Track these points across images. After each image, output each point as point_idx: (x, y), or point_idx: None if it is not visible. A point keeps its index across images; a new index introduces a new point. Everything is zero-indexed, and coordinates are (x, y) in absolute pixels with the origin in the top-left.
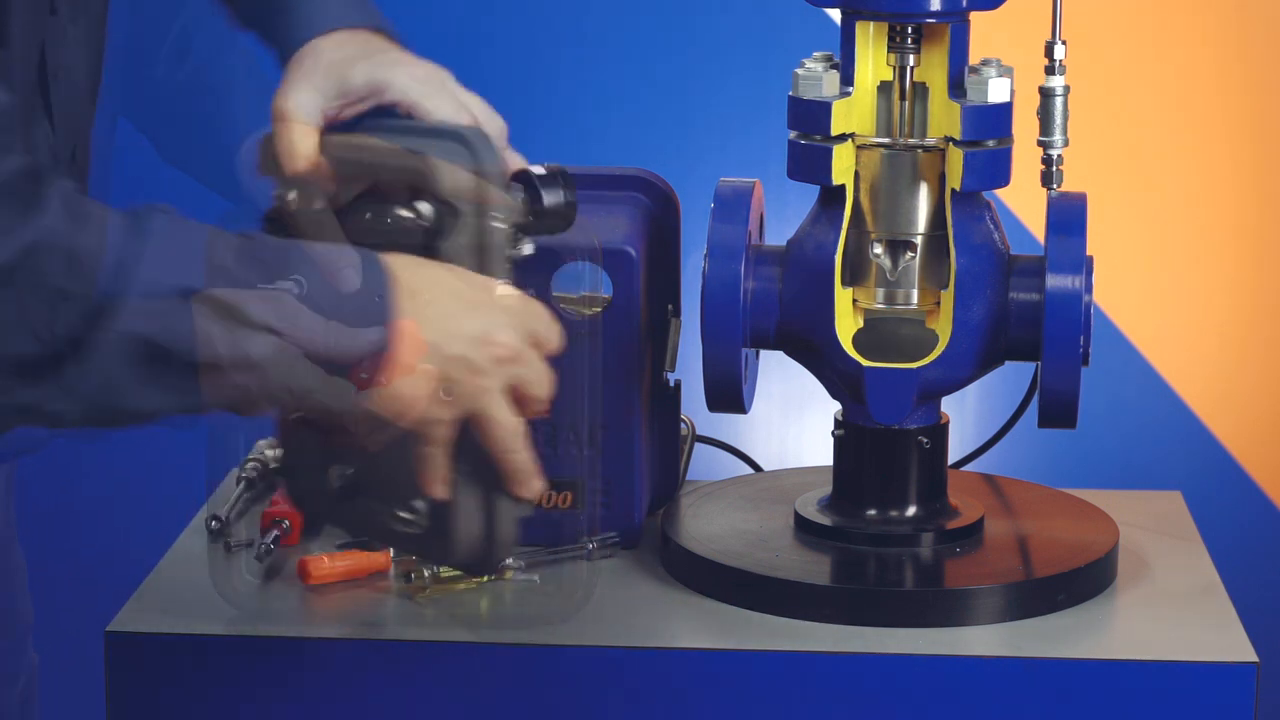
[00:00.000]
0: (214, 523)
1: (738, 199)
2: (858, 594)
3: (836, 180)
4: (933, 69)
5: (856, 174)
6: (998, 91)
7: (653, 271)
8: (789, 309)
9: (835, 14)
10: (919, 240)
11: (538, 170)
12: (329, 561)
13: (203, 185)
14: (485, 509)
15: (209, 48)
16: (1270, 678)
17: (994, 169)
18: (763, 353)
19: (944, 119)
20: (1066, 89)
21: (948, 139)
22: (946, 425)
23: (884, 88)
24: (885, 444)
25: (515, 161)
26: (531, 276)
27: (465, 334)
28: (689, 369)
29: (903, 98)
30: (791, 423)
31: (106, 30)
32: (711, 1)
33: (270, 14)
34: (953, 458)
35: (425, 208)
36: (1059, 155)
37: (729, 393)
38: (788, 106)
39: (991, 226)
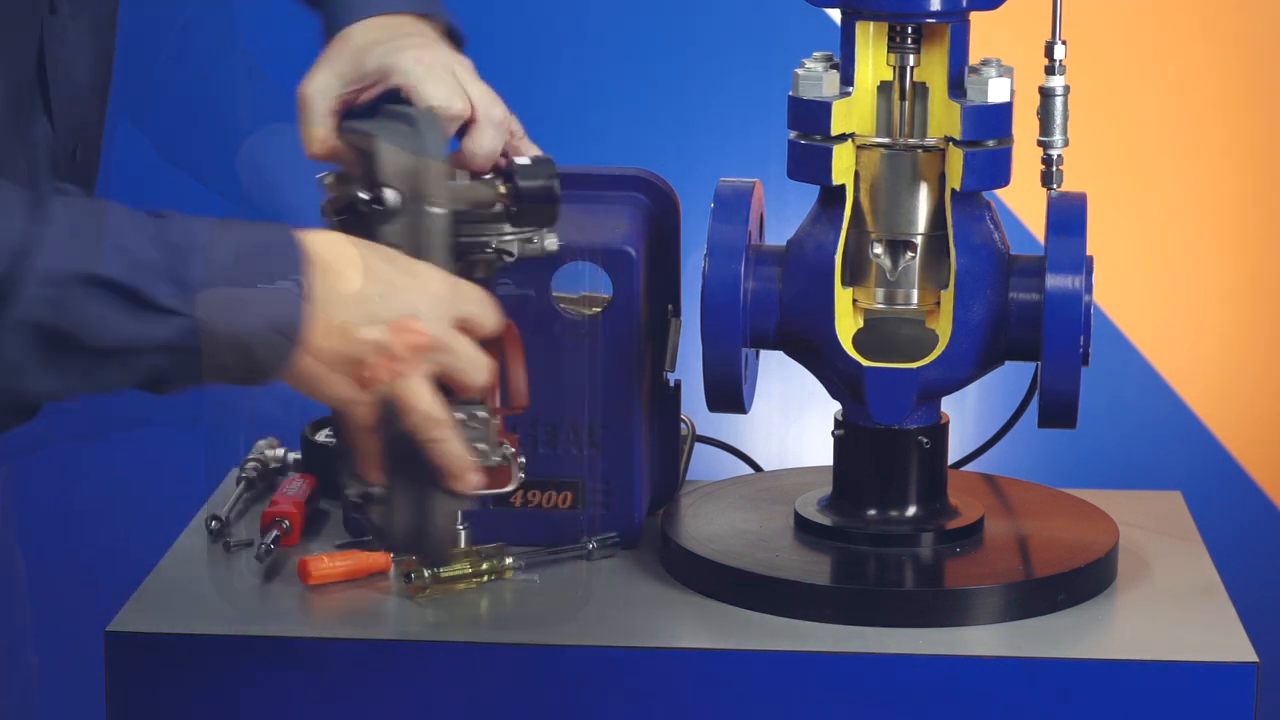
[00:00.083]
0: (214, 523)
1: (738, 199)
2: (858, 594)
3: (836, 180)
4: (933, 69)
5: (856, 174)
6: (998, 91)
7: (653, 271)
8: (789, 309)
9: (835, 14)
10: (919, 240)
11: (522, 160)
12: (329, 561)
13: (203, 185)
14: (420, 498)
15: (209, 48)
16: (1270, 678)
17: (994, 169)
18: (763, 353)
19: (944, 119)
20: (1066, 89)
21: (948, 139)
22: (946, 425)
23: (884, 88)
24: (885, 444)
25: (530, 152)
26: (532, 277)
27: (380, 316)
28: (689, 369)
29: (903, 98)
30: (791, 423)
31: (116, 31)
32: (711, 1)
33: None
34: (953, 458)
35: (381, 191)
36: (1059, 155)
37: (729, 393)
38: (788, 106)
39: (991, 226)
